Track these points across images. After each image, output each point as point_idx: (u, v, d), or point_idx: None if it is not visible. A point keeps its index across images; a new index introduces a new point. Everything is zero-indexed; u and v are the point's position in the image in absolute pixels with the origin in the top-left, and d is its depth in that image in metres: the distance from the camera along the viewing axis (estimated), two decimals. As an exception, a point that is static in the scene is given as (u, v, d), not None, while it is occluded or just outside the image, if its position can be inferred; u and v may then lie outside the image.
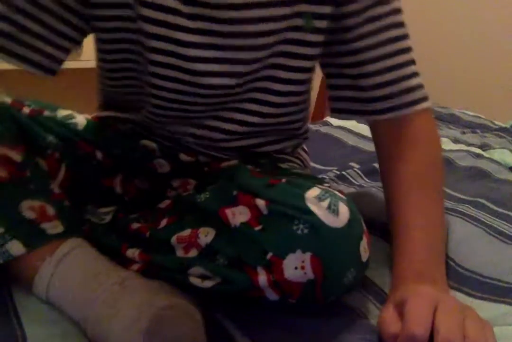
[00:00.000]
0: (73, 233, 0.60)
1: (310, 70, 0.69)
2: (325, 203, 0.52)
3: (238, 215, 0.53)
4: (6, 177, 0.57)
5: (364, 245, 0.54)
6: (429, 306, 0.50)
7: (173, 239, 0.56)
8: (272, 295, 0.52)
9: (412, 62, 0.67)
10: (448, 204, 0.85)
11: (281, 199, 0.52)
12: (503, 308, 0.60)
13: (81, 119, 0.72)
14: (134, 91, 0.69)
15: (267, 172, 0.65)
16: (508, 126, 1.48)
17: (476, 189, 0.93)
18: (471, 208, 0.82)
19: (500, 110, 1.83)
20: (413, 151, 0.67)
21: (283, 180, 0.56)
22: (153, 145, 0.72)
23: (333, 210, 0.52)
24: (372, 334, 0.53)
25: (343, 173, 0.99)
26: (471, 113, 1.59)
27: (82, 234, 0.61)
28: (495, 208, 0.83)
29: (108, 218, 0.67)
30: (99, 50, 0.69)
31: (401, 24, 0.67)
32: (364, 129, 1.30)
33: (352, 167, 1.02)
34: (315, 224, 0.50)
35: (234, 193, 0.55)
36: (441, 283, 0.59)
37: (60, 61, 0.66)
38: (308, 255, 0.50)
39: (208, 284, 0.53)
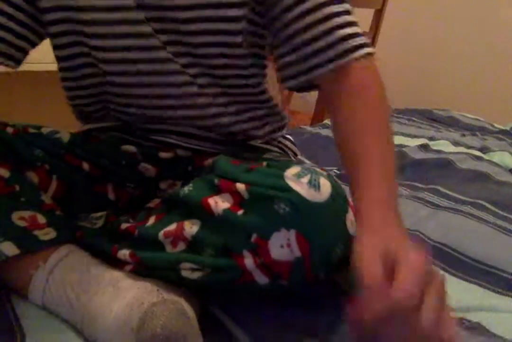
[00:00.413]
0: (65, 239, 0.60)
1: (239, 19, 0.67)
2: (305, 179, 0.51)
3: (220, 203, 0.53)
4: None
5: (350, 217, 0.53)
6: (420, 277, 0.46)
7: (160, 234, 0.55)
8: (262, 278, 0.51)
9: (346, 12, 0.65)
10: (449, 204, 0.85)
11: (260, 180, 0.52)
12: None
13: (64, 134, 0.72)
14: (95, 82, 0.71)
15: (249, 161, 0.65)
16: (507, 128, 1.48)
17: (476, 191, 0.93)
18: (473, 208, 0.82)
19: (499, 112, 1.84)
20: (349, 103, 0.64)
21: (263, 163, 0.56)
22: (132, 148, 0.73)
23: (313, 185, 0.51)
24: None
25: (343, 173, 0.99)
26: (471, 116, 1.60)
27: (75, 240, 0.61)
28: (496, 210, 0.83)
29: (100, 222, 0.67)
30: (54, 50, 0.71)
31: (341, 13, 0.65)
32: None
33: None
34: (295, 200, 0.50)
35: (216, 181, 0.55)
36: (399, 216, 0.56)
37: (18, 61, 0.69)
38: (292, 232, 0.49)
39: (199, 274, 0.53)
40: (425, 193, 0.91)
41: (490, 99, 2.10)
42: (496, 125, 1.52)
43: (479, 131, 1.45)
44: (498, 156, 1.17)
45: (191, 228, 0.54)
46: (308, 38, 0.65)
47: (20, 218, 0.58)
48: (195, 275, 0.53)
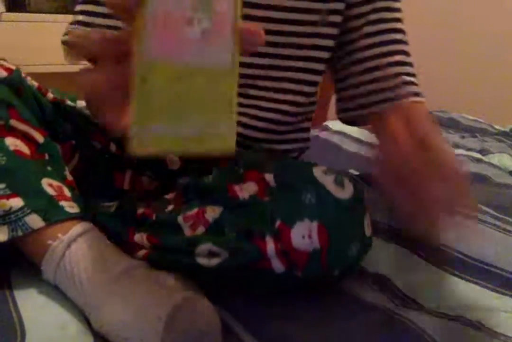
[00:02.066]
0: (87, 217, 0.60)
1: (326, 61, 0.74)
2: (331, 177, 0.54)
3: (246, 189, 0.55)
4: (29, 154, 0.58)
5: (367, 220, 0.56)
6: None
7: (180, 218, 0.56)
8: (278, 266, 0.52)
9: (410, 64, 0.73)
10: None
11: (289, 171, 0.55)
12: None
13: None
14: None
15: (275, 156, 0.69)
16: (507, 130, 1.48)
17: (476, 194, 0.93)
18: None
19: (499, 114, 1.83)
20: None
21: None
22: None
23: (339, 182, 0.54)
24: (369, 316, 0.54)
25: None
26: (471, 117, 1.59)
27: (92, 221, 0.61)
28: (496, 214, 0.83)
29: (112, 208, 0.67)
30: None
31: (403, 31, 0.73)
32: (363, 134, 1.30)
33: (351, 174, 1.02)
34: (323, 194, 0.52)
35: (241, 171, 0.57)
36: None
37: None
38: (315, 224, 0.51)
39: (215, 261, 0.53)
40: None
41: (490, 100, 2.10)
42: (496, 126, 1.52)
43: (479, 132, 1.45)
44: (498, 158, 1.17)
45: (213, 211, 0.55)
46: (377, 77, 0.71)
47: (49, 184, 0.58)
48: (213, 262, 0.53)
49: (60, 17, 1.93)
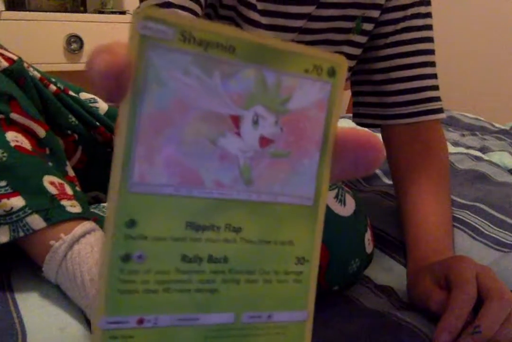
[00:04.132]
0: (89, 216, 0.59)
1: (350, 69, 0.73)
2: (333, 193, 0.54)
3: None
4: (30, 149, 0.57)
5: (368, 237, 0.56)
6: (473, 269, 0.52)
7: None
8: None
9: (435, 76, 0.72)
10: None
11: None
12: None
13: (103, 105, 0.72)
14: None
15: None
16: (507, 128, 1.48)
17: (475, 193, 0.93)
18: (470, 213, 0.82)
19: (499, 112, 1.83)
20: (431, 157, 0.71)
21: None
22: None
23: (340, 199, 0.54)
24: (370, 320, 0.54)
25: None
26: (471, 116, 1.59)
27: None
28: (493, 213, 0.83)
29: None
30: None
31: (431, 39, 0.73)
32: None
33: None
34: None
35: None
36: None
37: None
38: None
39: None
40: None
41: (490, 98, 2.10)
42: (496, 124, 1.51)
43: (479, 131, 1.45)
44: (498, 157, 1.17)
45: None
46: (399, 89, 0.71)
47: (50, 182, 0.57)
48: None
49: (59, 15, 1.92)
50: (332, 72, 0.24)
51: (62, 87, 0.68)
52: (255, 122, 0.22)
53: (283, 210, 0.24)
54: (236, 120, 0.22)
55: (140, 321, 0.21)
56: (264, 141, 0.22)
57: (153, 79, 0.20)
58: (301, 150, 0.23)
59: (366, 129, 0.24)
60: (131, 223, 0.21)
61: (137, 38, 0.20)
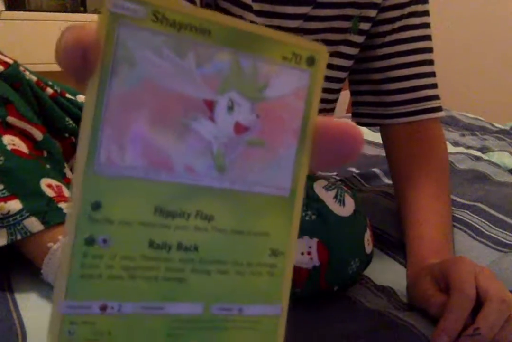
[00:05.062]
0: None
1: (348, 69, 0.73)
2: (332, 193, 0.54)
3: None
4: (27, 153, 0.58)
5: (367, 237, 0.56)
6: (472, 271, 0.52)
7: None
8: None
9: (433, 74, 0.72)
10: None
11: None
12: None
13: None
14: None
15: None
16: (507, 128, 1.48)
17: (475, 193, 0.93)
18: (470, 213, 0.82)
19: (499, 112, 1.83)
20: (430, 156, 0.71)
21: None
22: None
23: (339, 199, 0.54)
24: (370, 319, 0.54)
25: (343, 179, 0.99)
26: (471, 115, 1.59)
27: None
28: (494, 213, 0.83)
29: None
30: None
31: (429, 37, 0.72)
32: (363, 132, 1.29)
33: (351, 173, 1.02)
34: (323, 211, 0.52)
35: None
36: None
37: None
38: (314, 241, 0.51)
39: None
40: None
41: (490, 98, 2.10)
42: (496, 124, 1.51)
43: (479, 131, 1.45)
44: (498, 156, 1.17)
45: None
46: (398, 88, 0.70)
47: (48, 185, 0.57)
48: None
49: (59, 15, 1.93)
50: (311, 61, 0.23)
51: (59, 90, 0.68)
52: (230, 108, 0.22)
53: (258, 200, 0.23)
54: (210, 105, 0.21)
55: (103, 308, 0.20)
56: (239, 128, 0.22)
57: (123, 58, 0.20)
58: (278, 139, 0.23)
59: (346, 120, 0.23)
60: (96, 205, 0.20)
61: (107, 15, 0.19)
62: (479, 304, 0.49)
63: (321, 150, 0.23)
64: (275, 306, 0.24)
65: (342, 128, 0.23)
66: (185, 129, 0.21)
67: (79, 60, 0.18)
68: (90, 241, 0.20)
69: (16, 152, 0.57)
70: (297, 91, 0.23)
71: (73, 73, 0.19)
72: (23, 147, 0.58)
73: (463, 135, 1.39)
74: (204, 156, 0.21)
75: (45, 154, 0.60)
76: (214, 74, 0.21)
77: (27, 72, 0.64)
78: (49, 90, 0.66)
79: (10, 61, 0.62)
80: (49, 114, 0.65)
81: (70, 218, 0.20)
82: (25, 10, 1.94)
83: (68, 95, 0.69)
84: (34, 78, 0.65)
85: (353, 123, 0.23)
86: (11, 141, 0.57)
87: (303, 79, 0.23)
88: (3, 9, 1.96)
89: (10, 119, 0.58)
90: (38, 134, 0.60)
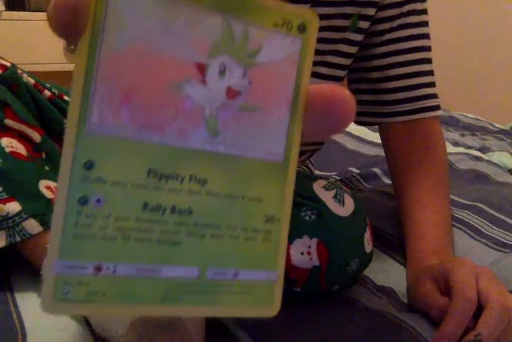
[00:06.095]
0: None
1: (347, 67, 0.73)
2: (332, 193, 0.54)
3: None
4: (25, 155, 0.58)
5: (367, 236, 0.56)
6: (473, 274, 0.51)
7: None
8: None
9: (432, 73, 0.72)
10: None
11: None
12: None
13: None
14: None
15: None
16: (507, 128, 1.47)
17: (475, 193, 0.93)
18: (470, 213, 0.82)
19: (499, 112, 1.83)
20: (429, 155, 0.71)
21: None
22: None
23: (339, 199, 0.54)
24: (370, 320, 0.54)
25: (343, 178, 0.99)
26: (471, 116, 1.59)
27: None
28: (494, 213, 0.83)
29: None
30: None
31: (427, 36, 0.72)
32: (363, 132, 1.30)
33: (351, 173, 1.02)
34: (323, 211, 0.52)
35: None
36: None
37: None
38: (314, 241, 0.51)
39: None
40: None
41: (490, 99, 2.10)
42: (496, 125, 1.51)
43: (479, 131, 1.45)
44: (498, 157, 1.17)
45: None
46: (396, 87, 0.71)
47: (46, 187, 0.58)
48: None
49: (59, 15, 1.92)
50: (302, 28, 0.23)
51: (56, 93, 0.68)
52: (222, 72, 0.22)
53: (252, 165, 0.23)
54: (202, 68, 0.21)
55: (98, 268, 0.20)
56: (231, 92, 0.22)
57: (113, 19, 0.20)
58: (270, 105, 0.23)
59: (335, 84, 0.23)
60: (89, 165, 0.20)
61: None
62: (479, 307, 0.49)
63: (313, 117, 0.23)
64: (271, 272, 0.24)
65: (334, 95, 0.22)
66: (177, 92, 0.21)
67: (70, 17, 0.18)
68: (83, 201, 0.20)
69: (14, 155, 0.57)
70: (288, 58, 0.23)
71: (63, 32, 0.19)
72: (21, 149, 0.58)
73: (463, 135, 1.39)
74: (197, 120, 0.21)
75: (43, 156, 0.61)
76: (205, 38, 0.21)
77: (25, 75, 0.64)
78: (47, 93, 0.67)
79: (8, 64, 0.62)
80: (47, 116, 0.65)
81: (62, 177, 0.20)
82: (25, 10, 1.94)
83: (66, 98, 0.70)
84: (32, 81, 0.66)
85: (346, 90, 0.23)
86: (10, 143, 0.57)
87: (295, 46, 0.23)
88: (3, 9, 1.96)
89: (8, 121, 0.58)
90: (36, 137, 0.60)
